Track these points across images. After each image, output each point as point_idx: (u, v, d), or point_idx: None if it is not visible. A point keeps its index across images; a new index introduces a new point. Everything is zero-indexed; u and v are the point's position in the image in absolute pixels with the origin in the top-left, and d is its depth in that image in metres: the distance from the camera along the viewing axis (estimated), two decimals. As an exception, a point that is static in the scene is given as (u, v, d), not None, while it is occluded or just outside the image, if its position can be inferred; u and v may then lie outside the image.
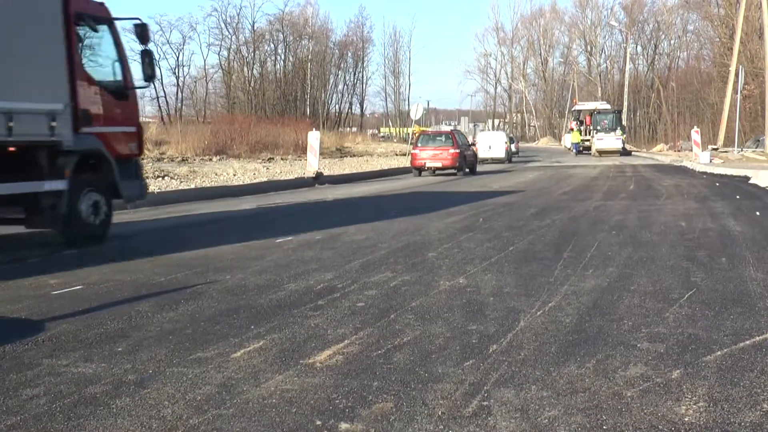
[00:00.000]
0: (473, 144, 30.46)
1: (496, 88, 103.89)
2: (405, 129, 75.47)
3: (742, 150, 34.34)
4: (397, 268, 6.96)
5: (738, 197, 14.08)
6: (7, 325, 5.14)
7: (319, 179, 21.35)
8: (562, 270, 6.65)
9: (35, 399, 3.60)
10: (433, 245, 8.37)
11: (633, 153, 48.01)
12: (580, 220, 10.66)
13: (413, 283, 6.20)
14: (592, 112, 49.61)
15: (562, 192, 16.82)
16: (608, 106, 54.00)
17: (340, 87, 77.06)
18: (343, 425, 3.21)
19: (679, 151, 45.45)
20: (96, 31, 9.58)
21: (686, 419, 3.19)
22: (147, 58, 9.96)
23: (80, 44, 9.14)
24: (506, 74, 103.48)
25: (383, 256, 7.70)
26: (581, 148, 48.97)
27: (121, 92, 9.84)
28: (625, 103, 62.92)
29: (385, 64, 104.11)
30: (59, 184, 8.47)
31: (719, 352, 4.09)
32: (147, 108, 74.48)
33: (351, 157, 38.27)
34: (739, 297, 5.45)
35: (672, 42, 76.07)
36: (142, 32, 9.92)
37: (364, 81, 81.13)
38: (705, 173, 23.53)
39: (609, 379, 3.70)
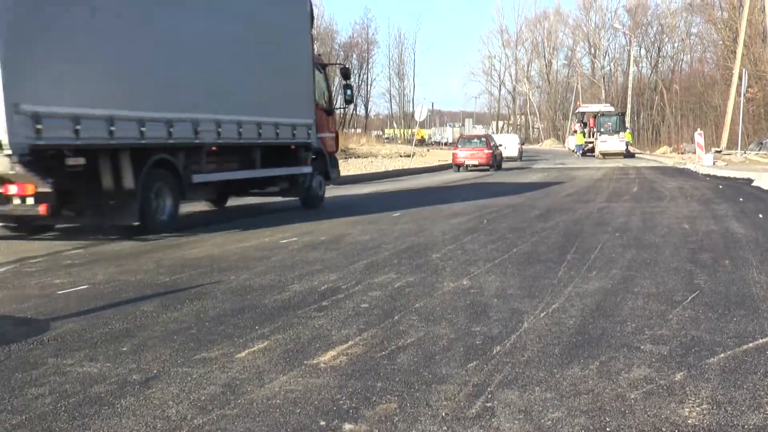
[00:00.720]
0: (500, 145, 36.03)
1: (500, 90, 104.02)
2: (410, 130, 75.59)
3: (745, 153, 34.29)
4: (401, 269, 6.97)
5: (741, 200, 14.06)
6: (13, 324, 5.15)
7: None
8: (565, 272, 6.66)
9: (40, 398, 3.61)
10: (437, 246, 8.38)
11: (636, 155, 47.98)
12: (583, 222, 10.66)
13: (417, 285, 6.21)
14: (595, 115, 49.59)
15: (566, 194, 16.81)
16: (612, 109, 53.94)
17: (345, 88, 77.03)
18: (347, 426, 3.22)
19: (682, 153, 45.39)
20: (320, 72, 14.89)
21: (689, 421, 3.19)
22: (348, 89, 16.91)
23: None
24: (510, 76, 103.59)
25: (387, 257, 7.72)
26: (585, 150, 48.99)
27: (329, 111, 15.33)
28: (629, 106, 62.86)
29: (389, 65, 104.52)
30: (307, 169, 13.81)
31: (722, 355, 4.10)
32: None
33: (356, 158, 38.26)
34: (742, 299, 5.45)
35: (675, 45, 76.09)
36: (345, 72, 16.25)
37: (369, 83, 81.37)
38: (708, 176, 23.51)
39: (612, 381, 3.70)
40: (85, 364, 4.15)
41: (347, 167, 28.97)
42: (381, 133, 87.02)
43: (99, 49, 8.94)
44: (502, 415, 3.29)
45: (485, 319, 4.98)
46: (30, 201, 8.49)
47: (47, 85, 8.20)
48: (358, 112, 79.89)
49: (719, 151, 35.65)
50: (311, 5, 14.07)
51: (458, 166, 31.48)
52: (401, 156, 41.52)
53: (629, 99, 63.61)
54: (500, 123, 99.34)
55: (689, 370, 3.84)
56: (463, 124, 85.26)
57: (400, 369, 3.95)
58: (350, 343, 4.48)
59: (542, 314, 5.09)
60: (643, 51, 78.96)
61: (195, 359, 4.20)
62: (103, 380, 3.86)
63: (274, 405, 3.47)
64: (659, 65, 77.68)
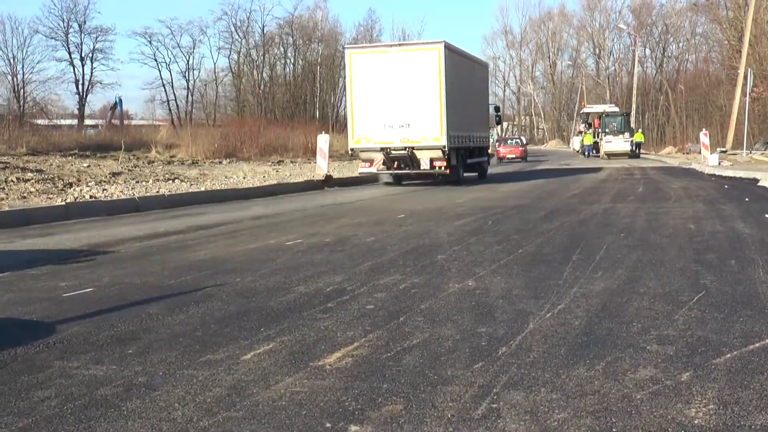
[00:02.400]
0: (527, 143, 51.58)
1: (504, 90, 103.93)
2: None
3: (750, 152, 34.19)
4: (406, 270, 6.97)
5: (747, 200, 14.03)
6: (19, 327, 5.17)
7: (328, 182, 21.37)
8: (571, 272, 6.65)
9: (46, 401, 3.62)
10: (442, 248, 8.38)
11: (641, 155, 47.90)
12: (588, 223, 10.65)
13: (422, 286, 6.21)
14: (600, 115, 49.54)
15: (571, 194, 16.80)
16: (617, 109, 53.93)
17: (350, 90, 76.94)
18: (353, 427, 3.22)
19: (687, 153, 45.32)
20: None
21: (696, 422, 3.18)
22: (498, 116, 33.30)
23: None
24: (515, 77, 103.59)
25: (392, 258, 7.71)
26: (592, 150, 48.89)
27: (488, 128, 28.90)
28: (634, 106, 62.80)
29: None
30: (486, 158, 26.90)
31: (729, 355, 4.09)
32: (158, 111, 74.95)
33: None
34: (748, 299, 5.44)
35: (680, 45, 76.02)
36: (497, 107, 33.81)
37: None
38: (713, 176, 23.47)
39: (618, 382, 3.70)
40: (91, 366, 4.16)
41: (352, 169, 28.93)
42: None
43: (459, 108, 21.42)
44: (508, 416, 3.29)
45: (491, 320, 4.98)
46: (442, 169, 20.45)
47: (451, 121, 20.54)
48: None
49: (724, 151, 35.58)
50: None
51: (500, 159, 44.54)
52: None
53: (634, 99, 63.56)
54: (505, 124, 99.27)
55: (695, 371, 3.83)
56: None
57: (406, 370, 3.95)
58: (356, 344, 4.48)
59: (548, 315, 5.09)
60: (647, 51, 78.92)
61: (200, 361, 4.21)
62: (108, 383, 3.86)
63: (280, 407, 3.47)
64: (664, 65, 77.62)
